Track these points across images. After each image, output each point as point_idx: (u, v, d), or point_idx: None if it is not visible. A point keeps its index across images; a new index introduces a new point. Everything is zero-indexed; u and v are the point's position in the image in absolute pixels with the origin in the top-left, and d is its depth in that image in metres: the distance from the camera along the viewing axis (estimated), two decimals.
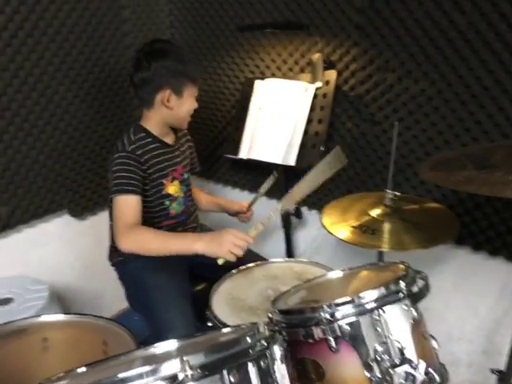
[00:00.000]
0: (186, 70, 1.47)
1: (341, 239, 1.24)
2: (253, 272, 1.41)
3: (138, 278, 1.52)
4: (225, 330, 0.84)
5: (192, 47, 2.09)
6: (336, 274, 1.04)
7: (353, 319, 0.76)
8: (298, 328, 0.78)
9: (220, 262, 1.31)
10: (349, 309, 0.76)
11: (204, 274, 1.65)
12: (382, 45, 1.55)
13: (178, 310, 1.40)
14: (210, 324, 1.22)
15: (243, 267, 1.42)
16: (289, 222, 1.90)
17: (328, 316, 0.74)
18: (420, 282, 0.83)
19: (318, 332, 0.75)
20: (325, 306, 0.76)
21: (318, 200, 1.93)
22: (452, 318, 1.78)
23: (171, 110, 1.48)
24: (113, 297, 1.80)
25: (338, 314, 0.75)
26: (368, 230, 1.24)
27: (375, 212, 1.35)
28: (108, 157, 1.95)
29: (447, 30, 1.40)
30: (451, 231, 1.19)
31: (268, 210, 1.39)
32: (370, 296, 0.77)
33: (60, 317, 1.22)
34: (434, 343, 0.89)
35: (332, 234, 1.27)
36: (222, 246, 1.28)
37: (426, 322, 0.88)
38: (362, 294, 0.77)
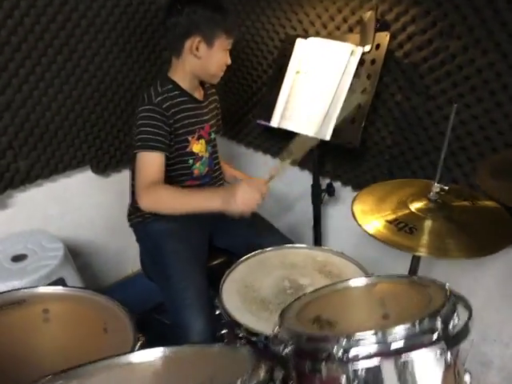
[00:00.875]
0: (220, 19, 1.35)
1: (371, 234, 1.08)
2: (270, 258, 1.29)
3: (156, 241, 1.46)
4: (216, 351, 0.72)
5: None
6: (359, 283, 0.89)
7: (373, 363, 0.61)
8: (305, 358, 0.65)
9: (237, 216, 1.24)
10: (369, 347, 0.61)
11: (223, 246, 1.58)
12: (449, 5, 1.30)
13: (192, 280, 1.34)
14: (217, 312, 1.13)
15: (260, 251, 1.30)
16: (319, 199, 1.74)
17: (342, 352, 0.60)
18: (462, 315, 0.67)
19: (327, 369, 0.61)
20: (341, 339, 0.62)
21: (354, 177, 1.76)
22: (490, 318, 1.61)
23: (200, 60, 1.37)
24: (134, 254, 1.76)
25: (354, 352, 0.61)
26: (405, 228, 1.07)
27: (417, 205, 1.16)
28: (134, 112, 1.87)
29: None
30: (505, 240, 1.00)
31: None
32: (398, 333, 0.61)
33: (59, 289, 1.17)
34: (467, 378, 0.75)
35: (361, 226, 1.10)
36: (236, 198, 1.21)
37: None
38: (389, 330, 0.62)
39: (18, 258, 1.56)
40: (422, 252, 1.00)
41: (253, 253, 1.30)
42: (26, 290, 1.14)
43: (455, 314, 0.67)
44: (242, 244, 1.46)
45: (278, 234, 1.55)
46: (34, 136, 1.62)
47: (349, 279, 0.92)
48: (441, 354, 0.62)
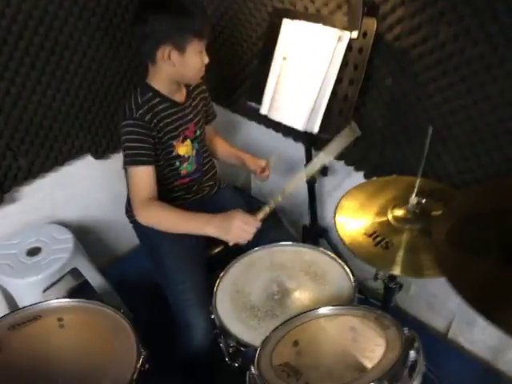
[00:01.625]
0: (188, 23, 1.27)
1: (350, 248, 1.14)
2: (260, 258, 1.37)
3: (153, 241, 1.54)
4: None
5: None
6: (328, 312, 0.98)
7: None
8: None
9: (231, 243, 1.30)
10: None
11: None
12: None
13: (191, 280, 1.42)
14: (212, 316, 1.24)
15: (251, 251, 1.39)
16: (313, 179, 1.77)
17: None
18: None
19: None
20: None
21: (347, 153, 1.74)
22: None
23: (174, 67, 1.34)
24: None
25: None
26: (382, 242, 1.13)
27: (396, 213, 1.20)
28: (125, 94, 1.86)
29: None
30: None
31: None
32: None
33: (71, 301, 1.28)
34: None
35: (342, 240, 1.16)
36: (231, 231, 1.27)
37: None
38: None
39: (32, 252, 1.68)
40: (396, 271, 1.06)
41: (245, 253, 1.38)
42: (40, 305, 1.26)
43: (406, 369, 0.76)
44: None
45: (279, 226, 1.61)
46: (29, 135, 1.65)
47: (319, 308, 1.00)
48: None
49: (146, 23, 1.26)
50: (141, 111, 1.36)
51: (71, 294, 2.00)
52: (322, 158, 1.35)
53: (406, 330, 0.85)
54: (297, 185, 1.35)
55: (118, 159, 2.00)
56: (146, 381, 1.12)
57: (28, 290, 1.61)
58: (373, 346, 0.84)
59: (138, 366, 1.10)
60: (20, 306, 1.30)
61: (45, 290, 1.65)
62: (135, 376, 1.08)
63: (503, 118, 1.25)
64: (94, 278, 1.85)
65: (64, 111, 1.72)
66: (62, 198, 1.93)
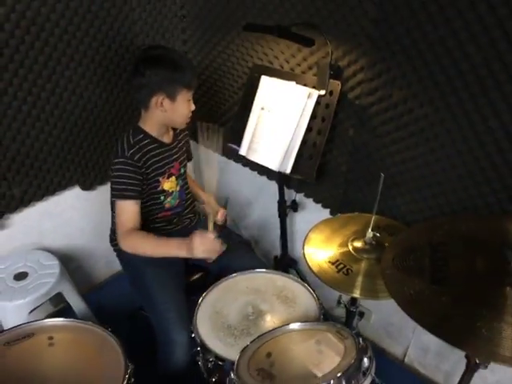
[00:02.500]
0: (180, 77, 1.49)
1: (316, 275, 1.32)
2: (238, 282, 1.53)
3: (137, 268, 1.67)
4: None
5: (203, 22, 2.00)
6: (297, 327, 1.15)
7: None
8: None
9: (209, 260, 1.49)
10: None
11: (198, 263, 1.79)
12: (392, 61, 1.47)
13: (173, 301, 1.55)
14: (192, 335, 1.38)
15: (229, 276, 1.55)
16: (284, 213, 1.97)
17: None
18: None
19: None
20: None
21: (315, 193, 1.98)
22: None
23: (165, 113, 1.53)
24: None
25: None
26: (343, 269, 1.31)
27: (356, 244, 1.40)
28: (115, 132, 2.03)
29: (460, 61, 1.32)
30: None
31: None
32: None
33: (63, 320, 1.39)
34: None
35: (310, 267, 1.35)
36: (195, 249, 1.43)
37: None
38: None
39: (19, 277, 1.78)
40: (356, 294, 1.25)
41: (223, 278, 1.54)
42: (33, 324, 1.37)
43: (359, 373, 0.93)
44: (214, 263, 1.60)
45: (251, 256, 1.78)
46: (25, 166, 1.79)
47: (289, 324, 1.17)
48: None
49: (144, 76, 1.47)
50: (132, 151, 1.53)
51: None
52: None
53: (360, 341, 1.02)
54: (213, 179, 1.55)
55: (102, 191, 2.17)
56: None
57: (14, 312, 1.69)
58: (333, 354, 1.01)
59: (126, 377, 1.22)
60: (5, 328, 1.39)
61: (30, 313, 1.74)
62: None
63: (445, 167, 1.49)
64: (77, 303, 1.94)
65: (58, 146, 1.88)
66: (48, 226, 2.05)
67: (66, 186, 2.00)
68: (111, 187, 1.55)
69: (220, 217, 1.70)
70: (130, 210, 1.53)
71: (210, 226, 1.49)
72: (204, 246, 1.42)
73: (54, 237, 2.08)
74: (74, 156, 1.95)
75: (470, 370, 1.09)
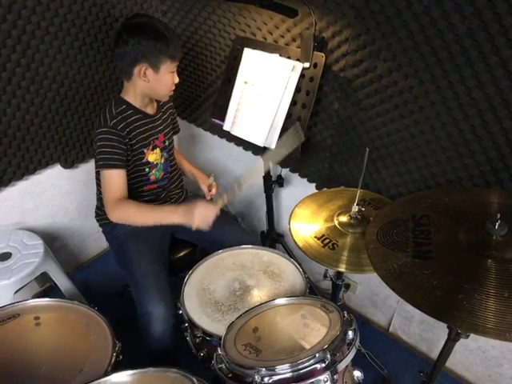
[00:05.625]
0: (163, 46, 1.45)
1: (302, 249, 1.33)
2: (224, 258, 1.54)
3: (121, 243, 1.67)
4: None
5: None
6: (283, 302, 1.16)
7: None
8: (236, 380, 0.92)
9: (194, 228, 1.47)
10: (282, 375, 0.89)
11: (186, 238, 1.80)
12: (376, 32, 1.44)
13: (154, 275, 1.55)
14: (180, 312, 1.39)
15: (217, 252, 1.55)
16: (270, 189, 1.97)
17: (260, 380, 0.88)
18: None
19: None
20: (263, 370, 0.89)
21: (301, 167, 1.97)
22: None
23: (148, 83, 1.50)
24: None
25: (270, 379, 0.88)
26: (329, 244, 1.32)
27: (341, 219, 1.41)
28: (95, 108, 1.99)
29: (445, 32, 1.30)
30: None
31: None
32: (306, 363, 0.89)
33: (48, 300, 1.39)
34: (357, 374, 1.05)
35: (296, 242, 1.35)
36: (194, 217, 1.44)
37: None
38: (300, 361, 0.89)
39: (3, 257, 1.75)
40: (342, 268, 1.26)
41: (210, 255, 1.54)
42: (18, 304, 1.36)
43: (344, 345, 0.94)
44: (203, 236, 1.61)
45: (239, 228, 1.77)
46: (3, 145, 1.74)
47: (275, 299, 1.18)
48: (327, 380, 0.90)
49: (127, 44, 1.42)
50: (114, 121, 1.50)
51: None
52: (273, 153, 1.54)
53: (345, 314, 1.04)
54: (251, 178, 1.52)
55: (84, 169, 2.13)
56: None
57: None
58: (319, 327, 1.02)
59: (114, 355, 1.23)
60: None
61: (15, 293, 1.72)
62: (111, 365, 1.21)
63: (429, 139, 1.49)
64: (63, 283, 1.93)
65: (37, 123, 1.82)
66: (30, 205, 2.02)
67: (47, 165, 1.95)
68: (95, 158, 1.53)
69: (214, 191, 1.69)
70: (116, 179, 1.51)
71: (220, 201, 1.48)
72: (205, 216, 1.43)
73: (36, 216, 2.05)
74: (53, 133, 1.90)
75: (452, 339, 1.11)
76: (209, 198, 1.72)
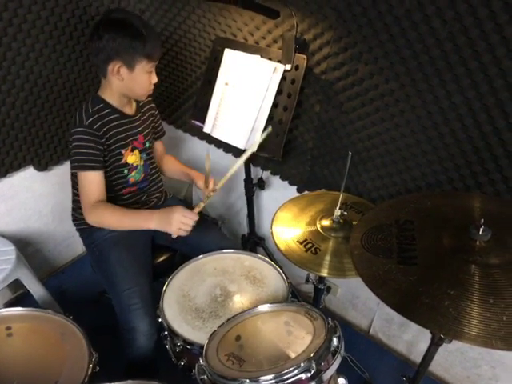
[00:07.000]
0: (139, 46, 1.40)
1: (284, 254, 1.31)
2: (205, 264, 1.50)
3: (101, 249, 1.60)
4: None
5: None
6: (266, 310, 1.14)
7: None
8: None
9: (173, 236, 1.46)
10: None
11: (166, 243, 1.75)
12: (358, 35, 1.43)
13: (137, 285, 1.49)
14: (159, 320, 1.35)
15: (198, 257, 1.51)
16: (251, 192, 1.94)
17: None
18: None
19: None
20: (247, 381, 0.86)
21: (281, 170, 1.95)
22: None
23: (123, 82, 1.46)
24: None
25: None
26: (312, 249, 1.30)
27: (324, 223, 1.39)
28: (70, 109, 1.92)
29: (426, 35, 1.30)
30: None
31: None
32: (290, 373, 0.87)
33: (21, 310, 1.33)
34: (341, 382, 1.04)
35: (278, 247, 1.33)
36: (171, 224, 1.42)
37: None
38: (284, 371, 0.87)
39: None
40: (324, 273, 1.24)
41: (190, 260, 1.50)
42: None
43: (329, 353, 0.93)
44: (182, 242, 1.57)
45: (219, 233, 1.74)
46: None
47: (258, 306, 1.15)
48: None
49: (101, 39, 1.37)
50: (90, 120, 1.45)
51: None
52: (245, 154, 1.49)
53: (329, 321, 1.02)
54: (226, 181, 1.49)
55: (58, 171, 2.06)
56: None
57: None
58: (303, 334, 1.00)
59: (91, 366, 1.18)
60: None
61: None
62: (88, 376, 1.16)
63: (410, 143, 1.49)
64: (36, 290, 1.86)
65: (8, 124, 1.75)
66: (2, 209, 1.94)
67: (19, 167, 1.88)
68: (71, 159, 1.48)
69: (211, 185, 1.62)
70: (92, 181, 1.47)
71: (201, 206, 1.46)
72: (183, 223, 1.41)
73: (8, 221, 1.97)
74: (25, 135, 1.83)
75: (436, 343, 1.11)
76: (207, 194, 1.63)
